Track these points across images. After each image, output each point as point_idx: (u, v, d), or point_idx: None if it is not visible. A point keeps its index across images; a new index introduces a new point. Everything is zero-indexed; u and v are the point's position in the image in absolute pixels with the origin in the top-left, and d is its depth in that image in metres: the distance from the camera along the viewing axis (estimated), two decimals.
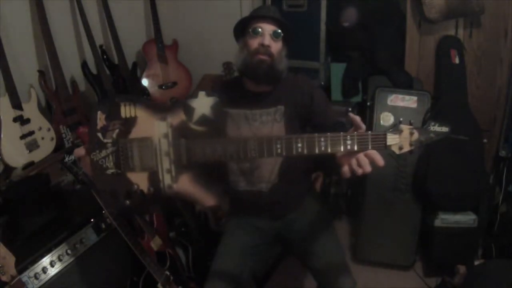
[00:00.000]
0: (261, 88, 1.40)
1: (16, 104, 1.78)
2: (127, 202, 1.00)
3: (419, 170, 2.07)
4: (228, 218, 1.67)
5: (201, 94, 0.99)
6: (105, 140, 1.00)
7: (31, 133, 1.84)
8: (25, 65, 1.97)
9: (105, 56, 2.32)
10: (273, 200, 1.47)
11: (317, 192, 1.83)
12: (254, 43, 1.32)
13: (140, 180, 1.00)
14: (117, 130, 1.00)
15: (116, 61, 2.43)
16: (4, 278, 1.12)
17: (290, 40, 1.39)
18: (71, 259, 1.50)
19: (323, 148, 0.94)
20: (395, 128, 0.94)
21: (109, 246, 1.64)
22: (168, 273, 1.59)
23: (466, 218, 2.02)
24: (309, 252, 1.45)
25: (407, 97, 2.17)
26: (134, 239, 1.46)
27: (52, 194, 1.70)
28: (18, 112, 1.79)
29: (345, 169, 0.97)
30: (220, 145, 0.97)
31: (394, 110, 2.17)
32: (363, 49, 2.42)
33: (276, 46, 1.34)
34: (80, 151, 1.08)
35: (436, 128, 0.94)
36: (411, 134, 0.94)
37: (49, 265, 1.43)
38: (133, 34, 2.62)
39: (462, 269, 1.86)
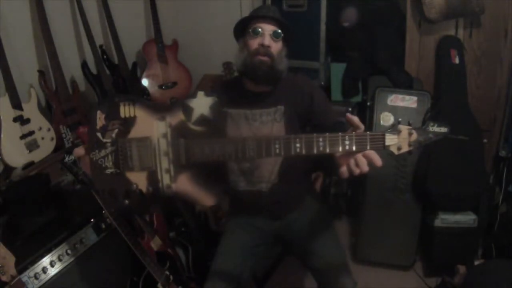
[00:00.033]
0: (261, 88, 1.40)
1: (16, 104, 1.78)
2: (126, 201, 1.01)
3: (419, 170, 2.07)
4: (228, 218, 1.67)
5: (200, 94, 0.99)
6: (104, 140, 1.00)
7: (31, 133, 1.84)
8: (25, 65, 1.97)
9: (105, 56, 2.32)
10: (273, 200, 1.47)
11: (317, 192, 1.83)
12: (254, 43, 1.32)
13: (139, 179, 1.00)
14: (116, 130, 1.00)
15: (116, 61, 2.43)
16: (4, 278, 1.12)
17: (290, 40, 1.39)
18: (71, 259, 1.50)
19: (321, 149, 0.94)
20: (393, 128, 0.94)
21: (109, 246, 1.64)
22: (168, 273, 1.59)
23: (466, 218, 2.02)
24: (309, 252, 1.45)
25: (407, 97, 2.17)
26: (134, 239, 1.46)
27: (52, 194, 1.70)
28: (18, 112, 1.80)
29: (343, 169, 0.97)
30: (219, 145, 0.97)
31: (394, 110, 2.17)
32: (363, 49, 2.42)
33: (276, 46, 1.34)
34: (80, 151, 1.08)
35: (435, 128, 0.94)
36: (410, 134, 0.94)
37: (49, 265, 1.43)
38: (133, 34, 2.62)
39: (462, 269, 1.86)
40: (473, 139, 2.02)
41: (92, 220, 1.61)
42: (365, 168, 0.94)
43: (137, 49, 2.65)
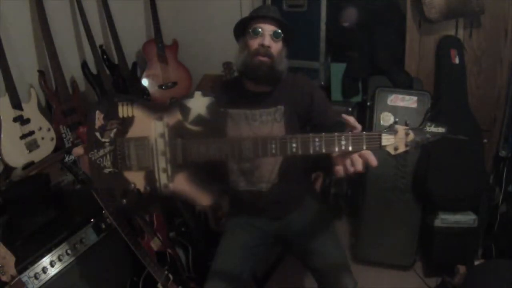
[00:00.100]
0: (261, 88, 1.40)
1: (16, 104, 1.78)
2: (124, 201, 1.01)
3: (419, 170, 2.07)
4: (228, 218, 1.67)
5: (197, 94, 0.99)
6: (103, 140, 1.01)
7: (31, 133, 1.84)
8: (25, 65, 1.97)
9: (105, 56, 2.32)
10: (273, 200, 1.47)
11: (317, 192, 1.83)
12: (254, 43, 1.32)
13: (137, 179, 1.01)
14: (114, 130, 1.01)
15: (116, 61, 2.43)
16: (4, 278, 1.12)
17: (290, 41, 1.39)
18: (71, 259, 1.50)
19: (317, 149, 0.94)
20: (390, 128, 0.94)
21: (109, 246, 1.64)
22: (168, 273, 1.59)
23: (466, 218, 2.02)
24: (309, 252, 1.45)
25: (407, 97, 2.17)
26: (134, 239, 1.46)
27: (52, 194, 1.70)
28: (18, 112, 1.80)
29: (339, 168, 0.98)
30: (215, 145, 0.97)
31: (394, 110, 2.17)
32: (363, 49, 2.42)
33: (276, 47, 1.34)
34: (79, 150, 1.08)
35: (432, 128, 0.94)
36: (407, 134, 0.94)
37: (49, 265, 1.43)
38: (133, 34, 2.62)
39: (462, 269, 1.86)
40: (473, 139, 2.02)
41: (92, 220, 1.60)
42: (360, 167, 0.94)
43: (137, 49, 2.65)
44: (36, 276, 1.38)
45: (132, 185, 1.00)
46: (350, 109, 2.40)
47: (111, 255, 1.65)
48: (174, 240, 1.90)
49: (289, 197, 1.50)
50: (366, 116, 2.27)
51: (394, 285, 2.09)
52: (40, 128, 1.89)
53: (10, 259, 1.13)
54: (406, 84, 2.26)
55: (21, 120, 1.80)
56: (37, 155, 1.87)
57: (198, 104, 0.99)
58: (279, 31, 1.33)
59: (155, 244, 1.63)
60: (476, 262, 1.84)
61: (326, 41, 2.55)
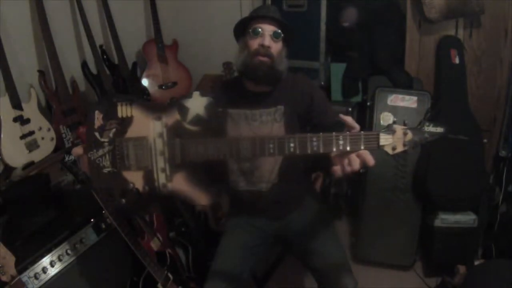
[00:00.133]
0: (261, 88, 1.40)
1: (16, 104, 1.78)
2: (123, 200, 1.01)
3: (419, 170, 2.07)
4: (228, 218, 1.67)
5: (195, 94, 1.00)
6: (102, 139, 1.01)
7: (31, 133, 1.84)
8: (25, 65, 1.97)
9: (105, 56, 2.32)
10: (273, 200, 1.47)
11: (317, 192, 1.83)
12: (254, 43, 1.32)
13: (135, 178, 1.01)
14: (113, 130, 1.01)
15: (116, 61, 2.43)
16: (4, 278, 1.12)
17: (290, 41, 1.39)
18: (71, 259, 1.50)
19: (315, 148, 0.94)
20: (388, 128, 0.94)
21: (109, 246, 1.64)
22: (168, 273, 1.59)
23: (466, 218, 2.02)
24: (309, 252, 1.45)
25: (407, 97, 2.17)
26: (134, 239, 1.46)
27: (52, 194, 1.70)
28: (18, 112, 1.80)
29: (337, 168, 0.98)
30: (213, 145, 0.98)
31: (394, 110, 2.17)
32: (363, 49, 2.42)
33: (276, 47, 1.34)
34: (78, 150, 1.09)
35: (430, 128, 0.94)
36: (405, 134, 0.94)
37: (49, 265, 1.43)
38: (133, 34, 2.62)
39: (462, 269, 1.86)
40: (473, 139, 2.01)
41: (92, 220, 1.61)
42: (357, 167, 0.95)
43: (137, 49, 2.65)
44: (36, 276, 1.38)
45: (131, 184, 1.01)
46: (350, 109, 2.40)
47: (111, 255, 1.65)
48: (174, 240, 1.90)
49: (289, 197, 1.50)
50: (366, 116, 2.27)
51: (394, 285, 2.09)
52: (40, 128, 1.89)
53: (10, 259, 1.14)
54: (406, 84, 2.26)
55: (21, 120, 1.80)
56: (37, 155, 1.87)
57: (196, 104, 1.00)
58: (279, 31, 1.33)
59: (155, 244, 1.63)
60: (476, 262, 1.84)
61: (326, 41, 2.55)
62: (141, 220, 1.60)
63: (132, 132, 1.01)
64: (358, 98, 2.48)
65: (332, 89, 2.53)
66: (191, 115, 0.99)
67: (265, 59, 1.31)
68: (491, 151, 2.19)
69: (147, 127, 1.00)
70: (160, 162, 0.99)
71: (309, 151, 0.94)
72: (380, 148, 0.94)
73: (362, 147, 0.93)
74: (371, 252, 2.20)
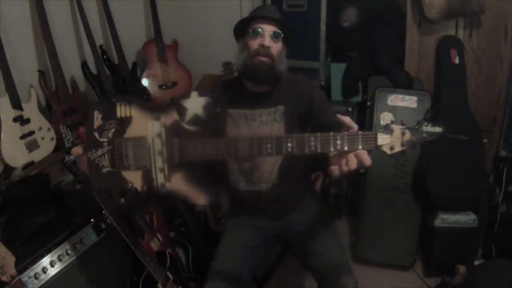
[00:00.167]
0: (261, 88, 1.40)
1: (16, 104, 1.78)
2: (122, 200, 1.02)
3: (419, 170, 2.07)
4: (228, 218, 1.67)
5: (194, 94, 1.01)
6: (101, 139, 1.02)
7: (31, 133, 1.84)
8: (25, 65, 1.97)
9: (105, 56, 2.32)
10: (273, 200, 1.47)
11: (317, 192, 1.83)
12: (254, 43, 1.32)
13: (134, 178, 1.01)
14: (113, 130, 1.02)
15: (116, 61, 2.43)
16: (4, 278, 1.12)
17: (291, 41, 1.39)
18: (71, 259, 1.50)
19: (313, 148, 0.94)
20: (386, 128, 0.94)
21: (109, 246, 1.64)
22: (168, 273, 1.59)
23: (466, 218, 2.02)
24: (309, 252, 1.45)
25: (407, 97, 2.17)
26: (134, 239, 1.46)
27: (52, 194, 1.70)
28: (18, 112, 1.80)
29: (334, 168, 0.98)
30: (211, 145, 0.98)
31: (394, 110, 2.17)
32: (363, 49, 2.42)
33: (276, 47, 1.34)
34: (78, 150, 1.09)
35: (429, 128, 0.94)
36: (403, 134, 0.94)
37: (49, 265, 1.43)
38: (133, 34, 2.62)
39: (462, 269, 1.86)
40: (473, 139, 2.01)
41: (92, 220, 1.60)
42: (354, 166, 0.95)
43: (137, 49, 2.65)
44: (36, 276, 1.38)
45: (130, 184, 1.01)
46: (350, 109, 2.40)
47: (111, 255, 1.65)
48: (174, 240, 1.90)
49: (289, 197, 1.50)
50: (366, 116, 2.27)
51: (394, 285, 2.09)
52: (40, 128, 1.89)
53: (10, 259, 1.14)
54: (406, 84, 2.26)
55: (21, 120, 1.80)
56: (37, 155, 1.87)
57: (195, 104, 1.00)
58: (279, 31, 1.33)
59: (155, 244, 1.63)
60: (476, 262, 1.84)
61: (326, 41, 2.55)
62: (141, 220, 1.60)
63: (131, 132, 1.01)
64: (358, 98, 2.48)
65: (332, 89, 2.53)
66: (189, 115, 1.00)
67: (265, 59, 1.31)
68: (491, 151, 2.19)
69: (145, 127, 1.01)
70: (159, 162, 1.00)
71: (307, 151, 0.94)
72: (378, 148, 0.94)
73: (360, 147, 0.94)
74: (371, 252, 2.20)
